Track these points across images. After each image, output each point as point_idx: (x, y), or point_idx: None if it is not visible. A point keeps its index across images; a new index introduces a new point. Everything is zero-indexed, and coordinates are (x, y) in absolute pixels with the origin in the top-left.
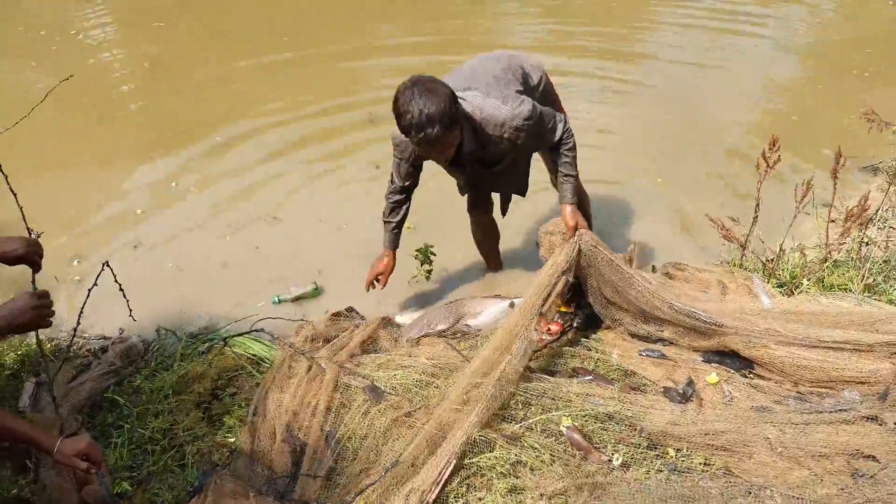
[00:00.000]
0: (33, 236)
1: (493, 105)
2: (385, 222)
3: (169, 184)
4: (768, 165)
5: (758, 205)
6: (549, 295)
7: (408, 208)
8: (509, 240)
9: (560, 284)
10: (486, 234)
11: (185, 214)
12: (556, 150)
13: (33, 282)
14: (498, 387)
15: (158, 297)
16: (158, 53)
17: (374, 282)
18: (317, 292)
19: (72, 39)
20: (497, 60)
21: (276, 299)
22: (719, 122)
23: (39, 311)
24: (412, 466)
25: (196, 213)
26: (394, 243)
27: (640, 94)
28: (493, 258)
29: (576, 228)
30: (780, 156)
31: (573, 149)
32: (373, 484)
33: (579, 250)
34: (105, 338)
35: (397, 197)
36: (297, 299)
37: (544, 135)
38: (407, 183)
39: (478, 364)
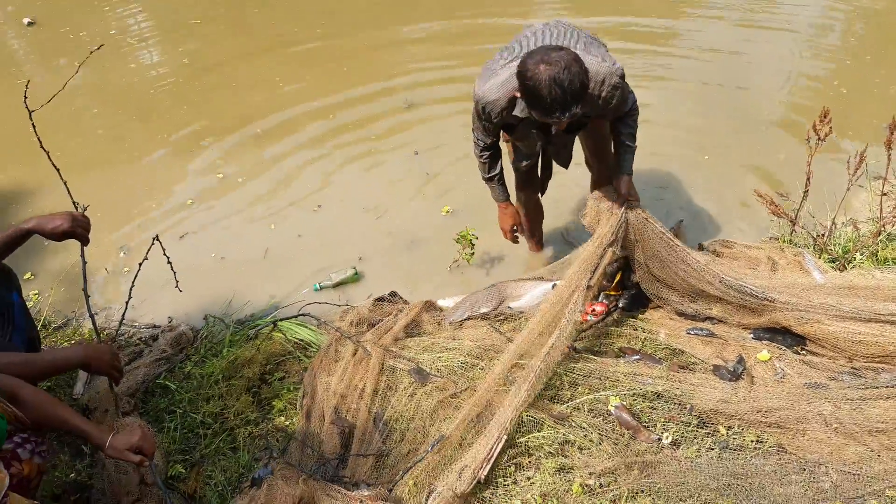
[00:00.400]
0: (79, 210)
1: (595, 62)
2: (488, 180)
3: (213, 175)
4: (819, 138)
5: (808, 179)
6: (595, 268)
7: (501, 159)
8: (546, 223)
9: (607, 258)
10: (535, 214)
11: (229, 205)
12: (625, 118)
13: (82, 255)
14: (546, 361)
15: (204, 287)
16: (196, 49)
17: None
18: (356, 277)
19: (112, 38)
20: (568, 25)
21: (317, 286)
22: (765, 95)
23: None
24: (460, 446)
25: (239, 204)
26: (505, 194)
27: (684, 70)
28: (537, 239)
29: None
30: (831, 128)
31: (637, 120)
32: (420, 460)
33: (627, 222)
34: (155, 326)
35: (488, 153)
36: (337, 285)
37: (625, 99)
38: (494, 139)
39: (522, 339)
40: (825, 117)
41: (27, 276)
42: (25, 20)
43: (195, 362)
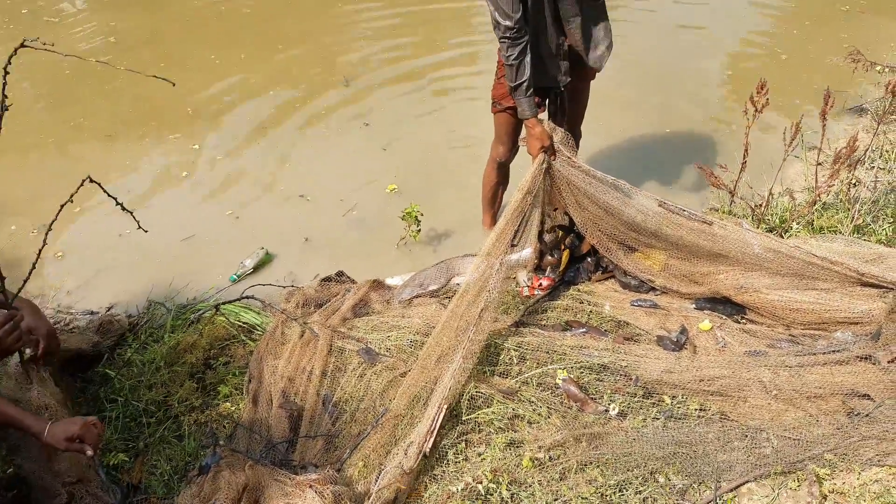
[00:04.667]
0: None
1: None
2: (515, 89)
3: (152, 158)
4: (756, 110)
5: (746, 150)
6: (522, 219)
7: (528, 56)
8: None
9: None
10: (503, 181)
11: (172, 187)
12: None
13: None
14: (479, 326)
15: (145, 271)
16: (126, 26)
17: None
18: (269, 257)
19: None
20: None
21: (234, 277)
22: (708, 64)
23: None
24: (410, 425)
25: (182, 186)
26: (534, 109)
27: (623, 41)
28: (495, 211)
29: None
30: (767, 100)
31: None
32: (365, 437)
33: (551, 169)
34: (92, 313)
35: (518, 44)
36: (255, 269)
37: None
38: (519, 14)
39: (454, 305)
40: (762, 89)
41: None
42: None
43: (135, 349)
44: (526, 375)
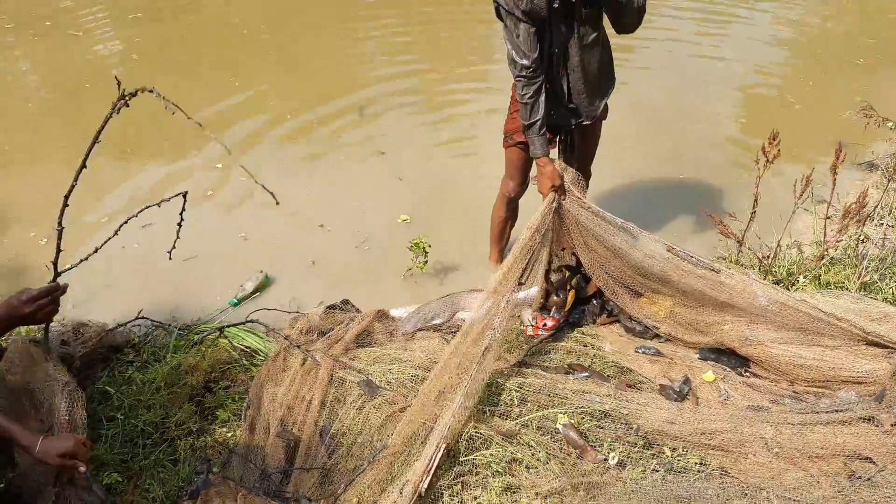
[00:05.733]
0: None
1: None
2: (528, 127)
3: (165, 177)
4: (767, 160)
5: (756, 200)
6: (530, 258)
7: (543, 95)
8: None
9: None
10: (511, 217)
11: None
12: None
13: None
14: (482, 365)
15: (153, 288)
16: (146, 47)
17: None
18: (268, 280)
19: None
20: None
21: (234, 301)
22: (720, 110)
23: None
24: (407, 463)
25: (195, 206)
26: (546, 148)
27: (637, 84)
28: (503, 247)
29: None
30: (779, 150)
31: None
32: (360, 472)
33: (561, 208)
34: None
35: (533, 84)
36: (255, 292)
37: None
38: (536, 54)
39: (458, 342)
40: (774, 139)
41: None
42: None
43: (136, 367)
44: (526, 418)
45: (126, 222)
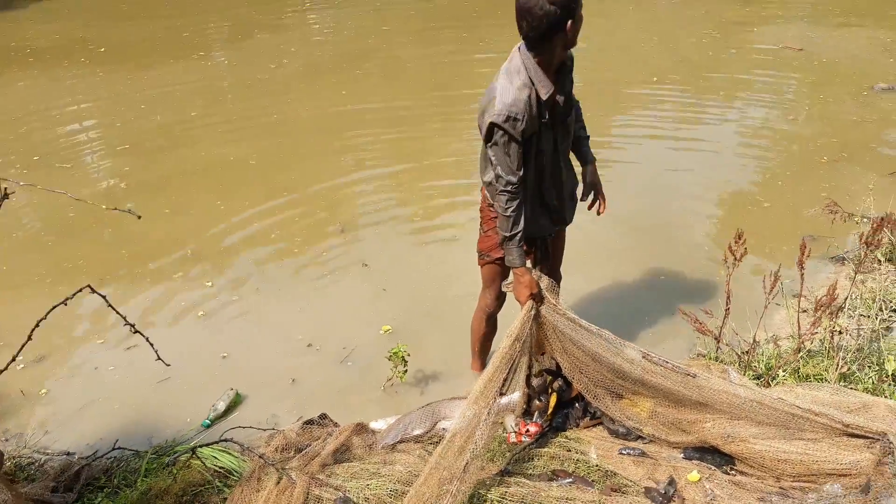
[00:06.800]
0: None
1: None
2: (509, 238)
3: (142, 298)
4: (735, 258)
5: (728, 297)
6: (510, 367)
7: (524, 209)
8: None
9: (524, 360)
10: (492, 330)
11: (164, 326)
12: (579, 114)
13: None
14: (464, 479)
15: (126, 411)
16: (129, 169)
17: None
18: (239, 398)
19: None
20: None
21: (207, 422)
22: (692, 209)
23: None
24: None
25: (173, 325)
26: (523, 259)
27: (613, 185)
28: (485, 356)
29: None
30: (746, 249)
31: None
32: None
33: (539, 316)
34: (68, 454)
35: (517, 198)
36: (227, 411)
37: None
38: (521, 172)
39: (438, 459)
40: (739, 238)
41: None
42: None
43: (107, 494)
44: None
45: (37, 325)
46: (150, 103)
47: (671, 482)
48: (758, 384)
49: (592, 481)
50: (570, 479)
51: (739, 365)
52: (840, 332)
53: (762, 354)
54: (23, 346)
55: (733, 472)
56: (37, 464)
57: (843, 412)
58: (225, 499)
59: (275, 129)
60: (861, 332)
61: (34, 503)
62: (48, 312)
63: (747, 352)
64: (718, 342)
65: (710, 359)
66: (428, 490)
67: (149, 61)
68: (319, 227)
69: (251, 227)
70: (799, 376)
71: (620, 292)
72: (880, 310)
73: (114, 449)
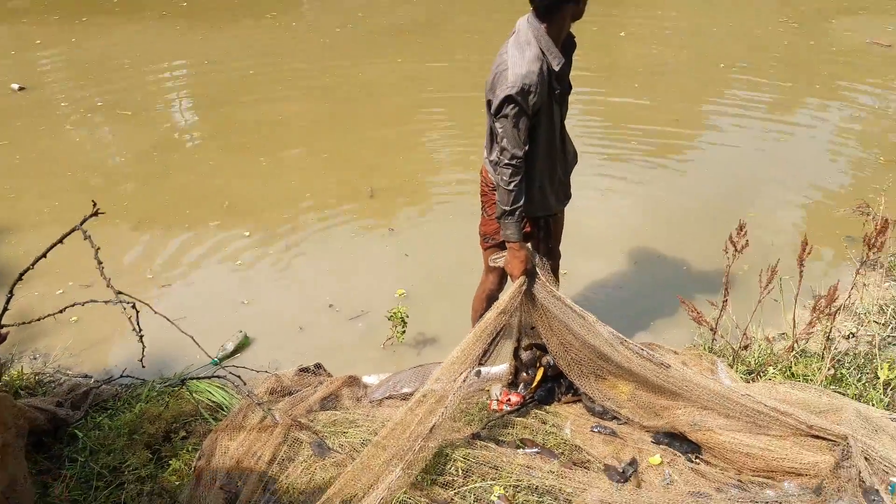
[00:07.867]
0: None
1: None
2: (509, 213)
3: (182, 248)
4: (736, 249)
5: (726, 289)
6: (493, 337)
7: (524, 190)
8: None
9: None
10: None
11: (200, 272)
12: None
13: None
14: (426, 443)
15: (156, 342)
16: (169, 134)
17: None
18: (247, 340)
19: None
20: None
21: (216, 360)
22: (744, 201)
23: None
24: None
25: (206, 273)
26: (521, 234)
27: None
28: None
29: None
30: (747, 241)
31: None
32: None
33: (532, 296)
34: (86, 376)
35: (520, 172)
36: (236, 352)
37: None
38: (527, 147)
39: (404, 413)
40: (741, 229)
41: None
42: (15, 86)
43: (109, 414)
44: (465, 489)
45: (43, 256)
46: (219, 59)
47: (632, 462)
48: (747, 378)
49: (561, 454)
50: (537, 449)
51: (734, 359)
52: (829, 338)
53: (756, 350)
54: (21, 274)
55: (698, 461)
56: (56, 382)
57: (810, 413)
58: (210, 430)
59: (332, 92)
60: (859, 338)
61: (39, 412)
62: (51, 247)
63: (745, 346)
64: (714, 333)
65: (705, 349)
66: (392, 442)
67: (231, 16)
68: (352, 190)
69: (289, 184)
70: (790, 375)
71: (633, 273)
72: (892, 318)
73: (122, 376)
